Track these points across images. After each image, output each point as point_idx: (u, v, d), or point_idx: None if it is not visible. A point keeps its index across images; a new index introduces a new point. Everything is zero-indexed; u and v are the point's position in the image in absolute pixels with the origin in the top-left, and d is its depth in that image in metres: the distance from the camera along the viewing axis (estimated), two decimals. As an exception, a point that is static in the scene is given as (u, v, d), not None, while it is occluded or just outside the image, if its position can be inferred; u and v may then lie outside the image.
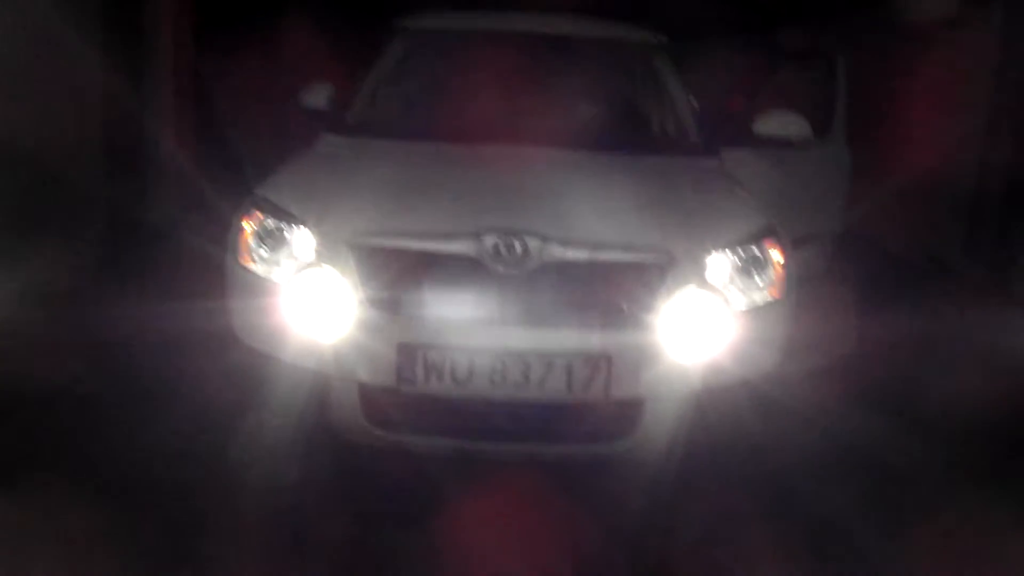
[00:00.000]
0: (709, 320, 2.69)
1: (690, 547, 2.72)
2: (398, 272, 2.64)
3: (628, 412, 2.66)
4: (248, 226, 2.85)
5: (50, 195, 5.16)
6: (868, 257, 7.30)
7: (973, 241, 6.60)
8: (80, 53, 5.44)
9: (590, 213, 2.85)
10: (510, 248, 2.58)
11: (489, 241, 2.59)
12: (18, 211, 4.84)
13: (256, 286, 2.78)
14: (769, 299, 2.85)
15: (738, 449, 2.92)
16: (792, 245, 4.49)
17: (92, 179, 5.76)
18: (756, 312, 2.81)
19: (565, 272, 2.64)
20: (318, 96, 4.05)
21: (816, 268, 5.01)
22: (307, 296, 2.65)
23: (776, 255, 2.91)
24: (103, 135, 5.82)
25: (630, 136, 3.96)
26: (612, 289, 2.67)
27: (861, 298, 5.45)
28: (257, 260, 2.81)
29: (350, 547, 2.62)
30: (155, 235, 6.51)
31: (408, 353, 2.55)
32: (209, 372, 3.35)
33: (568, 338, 2.57)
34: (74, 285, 5.29)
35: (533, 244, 2.60)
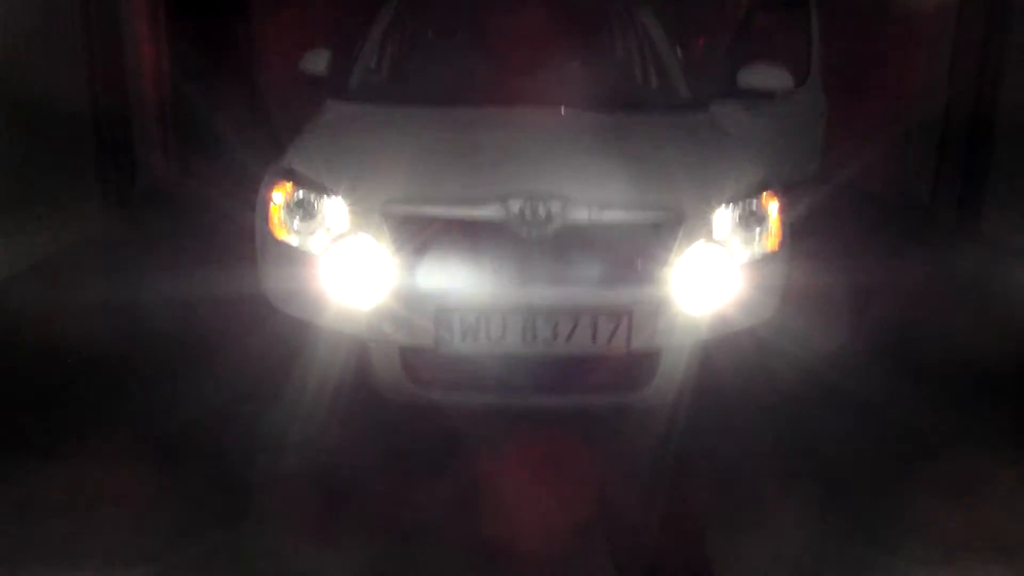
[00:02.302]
0: (716, 272, 2.89)
1: (699, 486, 2.96)
2: (430, 237, 2.80)
3: (647, 362, 2.87)
4: (279, 197, 2.97)
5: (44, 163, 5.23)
6: (844, 197, 7.60)
7: (941, 180, 6.86)
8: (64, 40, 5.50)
9: (605, 174, 3.01)
10: (535, 212, 2.75)
11: (515, 205, 2.76)
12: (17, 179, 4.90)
13: (292, 256, 2.92)
14: (768, 250, 3.06)
15: (742, 392, 3.15)
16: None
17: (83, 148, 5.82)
18: (756, 263, 3.01)
19: (586, 232, 2.82)
20: (316, 62, 4.10)
21: (799, 212, 5.24)
22: (344, 264, 2.81)
23: (773, 207, 3.10)
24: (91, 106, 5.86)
25: (627, 93, 4.10)
26: (629, 246, 2.86)
27: (843, 238, 5.73)
28: (290, 231, 2.94)
29: (391, 500, 2.83)
30: (149, 200, 6.59)
31: (445, 316, 2.73)
32: (245, 339, 3.51)
33: (591, 295, 2.77)
34: (80, 252, 5.39)
35: (555, 207, 2.76)
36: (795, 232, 4.44)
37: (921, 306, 4.81)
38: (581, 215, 2.79)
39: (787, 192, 4.95)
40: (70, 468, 2.93)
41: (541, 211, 2.75)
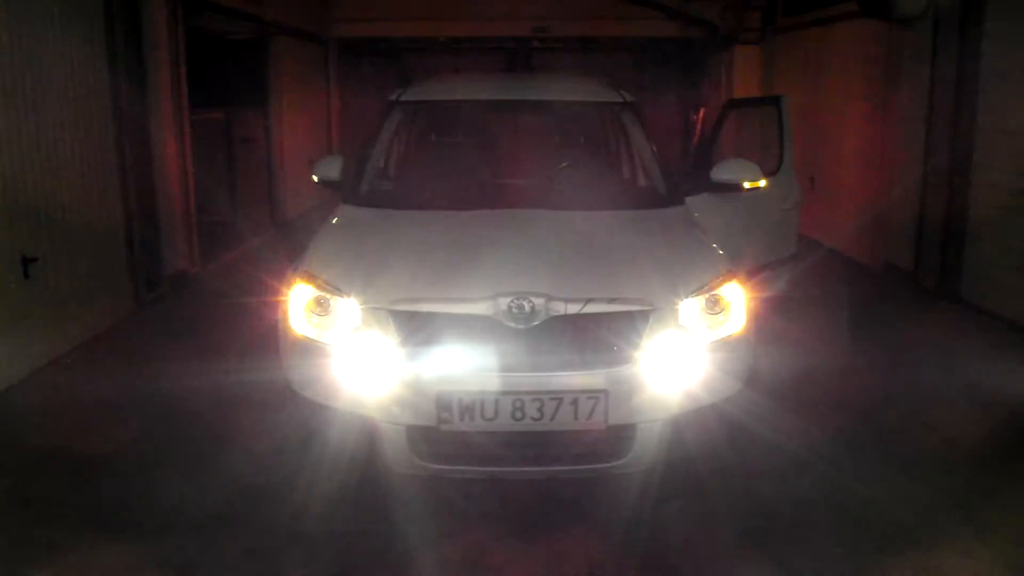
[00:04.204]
0: (683, 355, 3.29)
1: (670, 548, 3.31)
2: (431, 331, 3.23)
3: (624, 435, 3.26)
4: (299, 297, 3.42)
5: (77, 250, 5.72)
6: (835, 264, 8.09)
7: (922, 249, 7.30)
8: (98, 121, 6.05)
9: (583, 271, 3.46)
10: (520, 308, 3.18)
11: (503, 303, 3.18)
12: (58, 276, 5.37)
13: (310, 348, 3.35)
14: (731, 333, 3.45)
15: (707, 461, 3.50)
16: (755, 271, 5.12)
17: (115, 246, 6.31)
18: (721, 345, 3.41)
19: (566, 323, 3.23)
20: (330, 168, 4.55)
21: (778, 288, 5.66)
22: (357, 355, 3.24)
23: (736, 295, 3.50)
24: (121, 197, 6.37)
25: (607, 193, 4.53)
26: (605, 333, 3.26)
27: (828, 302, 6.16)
28: (309, 326, 3.38)
29: (402, 558, 3.20)
30: (174, 286, 7.07)
31: (445, 399, 3.14)
32: (270, 420, 3.93)
33: (572, 378, 3.17)
34: (109, 338, 5.84)
35: (539, 302, 3.19)
36: (772, 306, 4.84)
37: (895, 372, 5.19)
38: (561, 309, 3.21)
39: (761, 273, 5.39)
40: (108, 546, 3.30)
41: (526, 307, 3.18)
